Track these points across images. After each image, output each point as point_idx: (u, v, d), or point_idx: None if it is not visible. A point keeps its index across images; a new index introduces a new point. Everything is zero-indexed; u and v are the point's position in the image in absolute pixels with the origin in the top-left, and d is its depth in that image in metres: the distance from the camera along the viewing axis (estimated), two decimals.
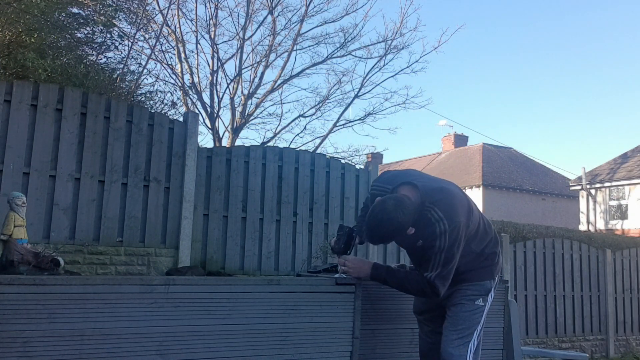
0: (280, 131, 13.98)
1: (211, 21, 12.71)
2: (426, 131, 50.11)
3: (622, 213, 16.11)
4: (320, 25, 14.27)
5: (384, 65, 14.02)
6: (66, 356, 2.30)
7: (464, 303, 2.86)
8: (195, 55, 12.98)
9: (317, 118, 18.30)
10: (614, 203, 16.36)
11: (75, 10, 6.63)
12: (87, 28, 6.82)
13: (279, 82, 13.72)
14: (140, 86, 7.87)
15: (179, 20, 12.44)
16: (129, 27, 8.07)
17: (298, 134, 19.46)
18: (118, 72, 7.20)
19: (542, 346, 7.43)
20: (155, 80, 10.94)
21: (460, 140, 26.16)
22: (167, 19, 11.67)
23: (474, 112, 46.95)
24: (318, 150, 13.14)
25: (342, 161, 7.17)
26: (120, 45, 7.33)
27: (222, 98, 13.10)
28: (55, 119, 4.85)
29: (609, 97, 44.58)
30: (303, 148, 11.80)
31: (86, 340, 2.33)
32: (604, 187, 16.36)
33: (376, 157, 20.48)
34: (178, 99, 11.79)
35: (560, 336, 7.80)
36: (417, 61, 14.85)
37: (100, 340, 2.36)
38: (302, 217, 6.05)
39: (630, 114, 45.83)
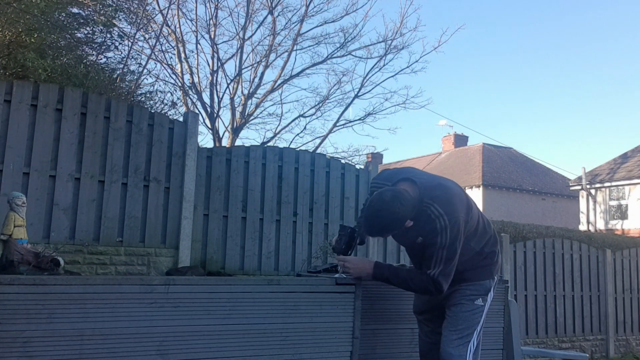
0: (280, 131, 14.03)
1: (211, 21, 12.74)
2: (426, 131, 50.18)
3: (622, 213, 16.11)
4: (320, 25, 14.31)
5: (384, 65, 14.06)
6: (66, 356, 2.30)
7: (463, 303, 2.86)
8: (195, 55, 13.02)
9: (317, 118, 18.35)
10: (614, 203, 16.36)
11: (75, 10, 6.64)
12: (87, 28, 6.83)
13: (279, 82, 13.75)
14: (140, 86, 7.88)
15: (179, 20, 12.46)
16: (129, 27, 8.08)
17: (298, 134, 19.52)
18: (118, 72, 7.21)
19: (542, 346, 7.43)
20: (155, 80, 10.96)
21: (460, 140, 26.16)
22: (167, 19, 11.70)
23: (474, 112, 47.00)
24: (318, 150, 13.15)
25: (342, 161, 7.17)
26: (120, 45, 7.35)
27: (222, 98, 13.13)
28: (55, 119, 4.85)
29: (609, 97, 44.65)
30: (303, 148, 11.82)
31: (86, 340, 2.33)
32: (604, 187, 16.36)
33: (376, 157, 20.50)
34: (178, 99, 11.81)
35: (560, 336, 7.80)
36: (417, 61, 14.90)
37: (100, 340, 2.36)
38: (302, 217, 6.05)
39: (630, 114, 45.88)
